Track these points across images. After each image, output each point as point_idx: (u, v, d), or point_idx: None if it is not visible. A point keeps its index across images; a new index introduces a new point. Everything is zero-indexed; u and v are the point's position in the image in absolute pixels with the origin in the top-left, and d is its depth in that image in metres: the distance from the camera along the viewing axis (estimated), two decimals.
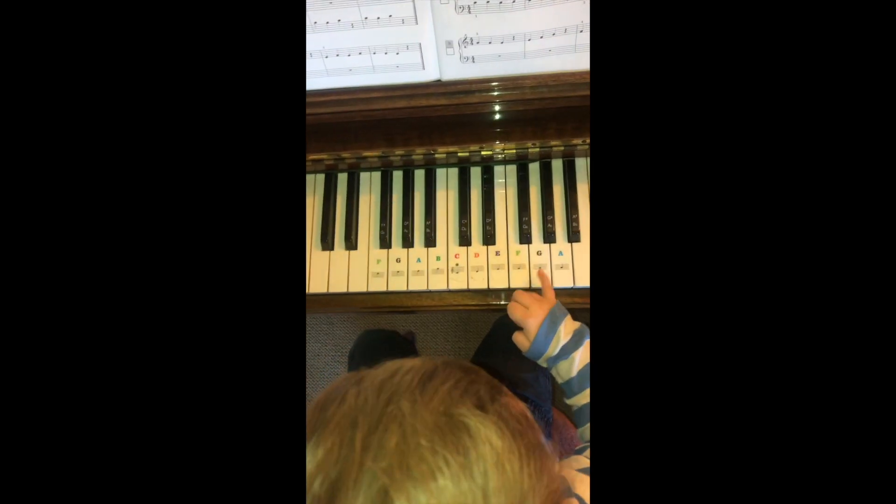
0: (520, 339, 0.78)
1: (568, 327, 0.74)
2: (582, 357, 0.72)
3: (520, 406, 0.45)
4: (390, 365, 0.44)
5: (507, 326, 1.05)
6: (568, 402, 0.76)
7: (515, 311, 0.77)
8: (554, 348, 0.73)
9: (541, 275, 0.85)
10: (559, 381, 0.76)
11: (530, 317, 0.75)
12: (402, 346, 1.13)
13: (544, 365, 0.77)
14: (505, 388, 0.46)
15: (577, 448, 0.71)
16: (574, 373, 0.72)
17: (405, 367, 0.43)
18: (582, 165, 0.90)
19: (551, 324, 0.74)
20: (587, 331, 0.75)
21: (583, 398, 0.73)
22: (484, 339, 1.10)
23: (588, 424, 0.73)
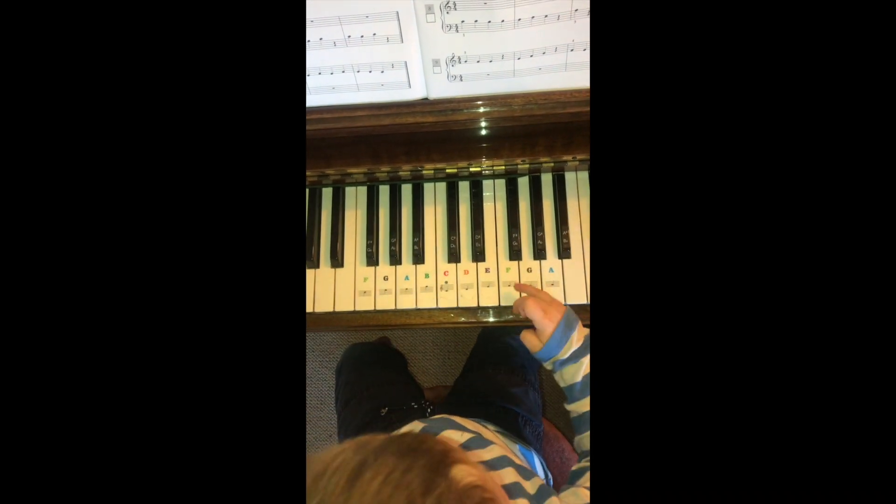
0: (530, 339, 0.76)
1: (581, 333, 0.74)
2: (588, 363, 0.72)
3: (471, 477, 0.42)
4: (322, 457, 0.42)
5: (493, 339, 1.05)
6: (568, 407, 0.75)
7: (534, 311, 0.74)
8: (566, 352, 0.73)
9: (520, 287, 0.84)
10: (562, 384, 0.75)
11: (548, 319, 0.73)
12: (391, 358, 1.11)
13: (549, 367, 0.75)
14: (453, 457, 0.43)
15: (573, 470, 0.71)
16: (579, 378, 0.72)
17: (334, 464, 0.41)
18: (572, 180, 0.88)
19: (566, 328, 0.73)
20: None
21: (583, 405, 0.72)
22: (471, 352, 1.08)
23: (586, 433, 0.72)
